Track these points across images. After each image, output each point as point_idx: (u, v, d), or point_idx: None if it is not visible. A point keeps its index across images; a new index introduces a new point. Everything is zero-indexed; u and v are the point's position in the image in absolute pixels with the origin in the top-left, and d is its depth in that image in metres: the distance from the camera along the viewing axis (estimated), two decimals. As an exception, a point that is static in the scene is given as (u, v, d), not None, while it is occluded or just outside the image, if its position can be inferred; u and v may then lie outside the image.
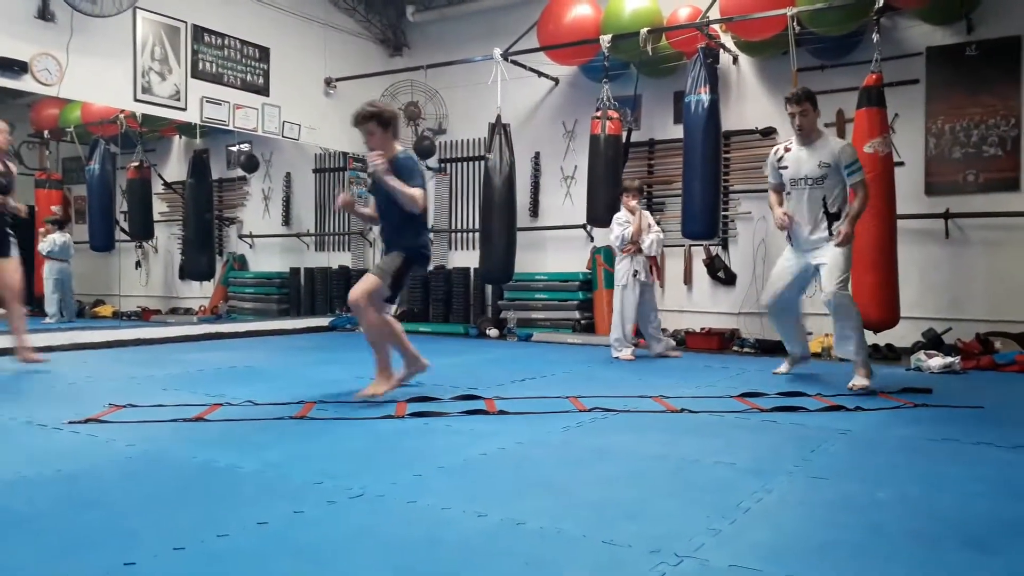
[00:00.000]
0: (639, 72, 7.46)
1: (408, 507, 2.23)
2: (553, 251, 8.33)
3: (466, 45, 8.46)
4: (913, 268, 6.19)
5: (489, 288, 8.56)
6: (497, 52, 7.55)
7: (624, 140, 7.19)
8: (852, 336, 4.43)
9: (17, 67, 6.12)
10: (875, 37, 5.63)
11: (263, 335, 8.14)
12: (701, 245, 7.32)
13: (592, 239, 7.98)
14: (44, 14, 6.27)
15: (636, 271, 5.99)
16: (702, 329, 7.13)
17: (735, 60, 7.35)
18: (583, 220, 7.48)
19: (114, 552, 1.85)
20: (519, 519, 2.12)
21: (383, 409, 3.71)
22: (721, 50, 7.08)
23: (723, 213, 7.07)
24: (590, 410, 3.72)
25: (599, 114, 6.90)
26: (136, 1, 6.69)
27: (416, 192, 4.17)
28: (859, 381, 4.38)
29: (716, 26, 6.83)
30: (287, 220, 10.39)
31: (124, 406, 3.76)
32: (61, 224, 9.67)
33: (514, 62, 7.71)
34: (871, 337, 5.62)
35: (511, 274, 7.52)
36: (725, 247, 7.39)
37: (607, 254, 7.75)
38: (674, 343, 6.62)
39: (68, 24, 6.38)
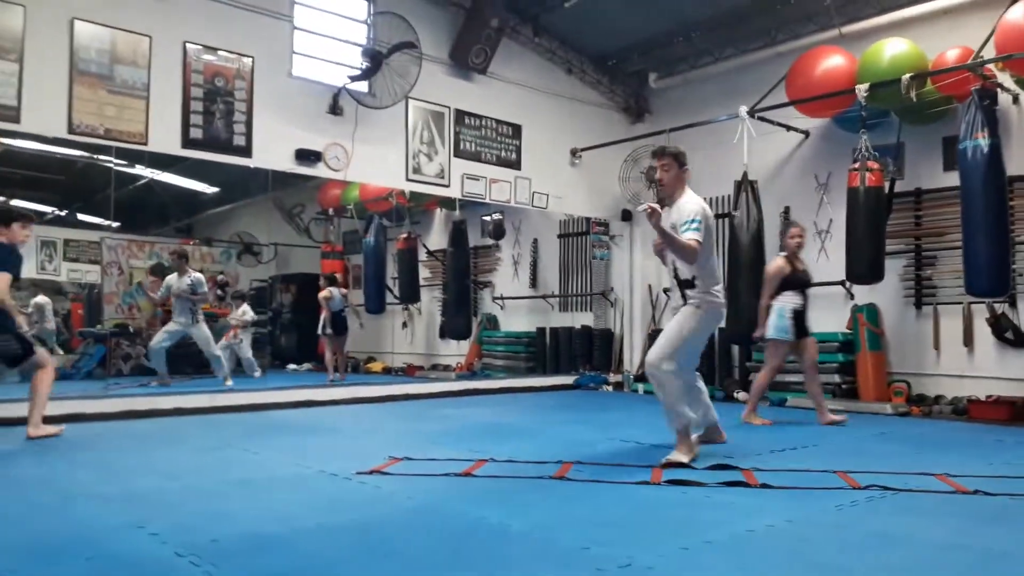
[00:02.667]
0: (900, 119, 6.98)
1: (678, 581, 2.21)
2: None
3: (708, 106, 8.44)
4: None
5: (736, 349, 8.29)
6: (743, 110, 7.44)
7: (887, 191, 6.71)
8: (665, 411, 4.20)
9: (313, 156, 7.09)
10: None
11: (513, 391, 8.51)
12: (983, 302, 6.57)
13: (852, 297, 7.46)
14: (335, 110, 7.23)
15: None
16: (988, 397, 6.34)
17: (1015, 99, 6.62)
18: (840, 276, 7.04)
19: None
20: (797, 604, 2.02)
21: (638, 475, 3.71)
22: (998, 90, 6.42)
23: (1011, 266, 6.30)
24: (865, 487, 3.45)
25: (857, 165, 6.52)
26: (408, 92, 7.50)
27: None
28: (672, 456, 4.00)
29: (991, 65, 6.22)
30: (534, 282, 10.87)
31: (401, 459, 4.11)
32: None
33: (761, 118, 7.56)
34: None
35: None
36: (1013, 304, 6.56)
37: (870, 313, 7.21)
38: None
39: (353, 117, 7.30)
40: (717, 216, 8.71)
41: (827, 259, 7.70)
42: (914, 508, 3.15)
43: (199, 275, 8.67)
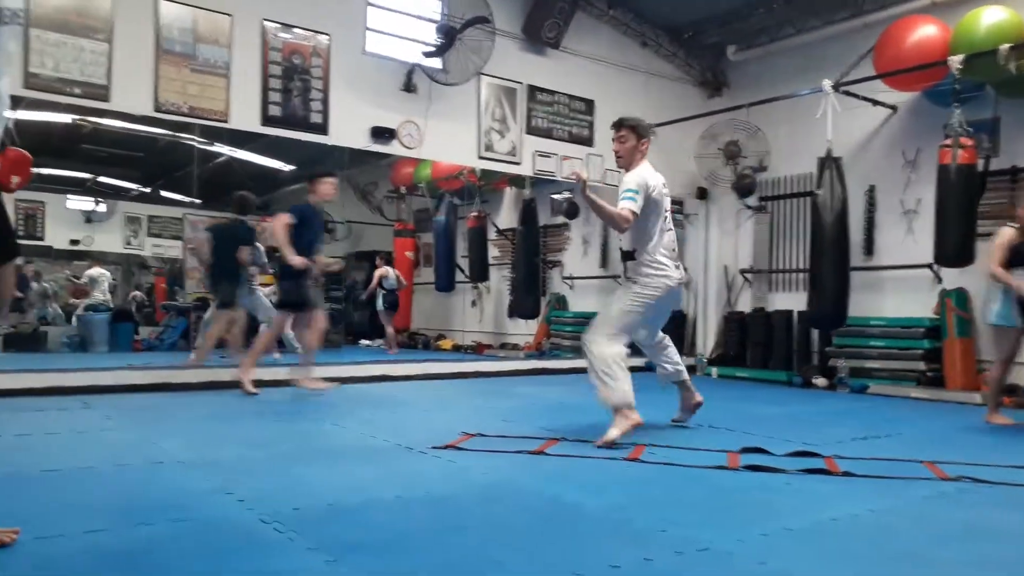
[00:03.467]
0: (997, 92, 6.60)
1: (760, 569, 2.15)
2: (892, 293, 7.60)
3: (789, 80, 8.15)
4: None
5: (815, 333, 8.04)
6: (827, 84, 7.15)
7: (981, 169, 6.37)
8: (594, 385, 4.17)
9: (388, 134, 7.14)
10: None
11: (583, 372, 8.43)
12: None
13: (940, 280, 7.14)
14: (408, 87, 7.26)
15: None
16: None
17: (1125, 69, 6.17)
18: (928, 259, 6.75)
19: (487, 577, 2.03)
20: (887, 597, 1.94)
21: (714, 459, 3.64)
22: (1108, 59, 6.00)
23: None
24: (954, 479, 3.30)
25: (949, 142, 6.20)
26: (481, 68, 7.46)
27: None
28: (607, 435, 3.93)
29: (1103, 32, 5.81)
30: (604, 262, 10.75)
31: (474, 435, 4.13)
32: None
33: (846, 92, 7.26)
34: None
35: (844, 318, 6.98)
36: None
37: (959, 298, 6.89)
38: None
39: (427, 94, 7.31)
40: (798, 195, 8.48)
41: (914, 241, 7.38)
42: (1008, 502, 3.00)
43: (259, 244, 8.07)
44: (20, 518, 2.28)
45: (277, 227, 5.75)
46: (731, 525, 2.58)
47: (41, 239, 14.22)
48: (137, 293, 13.51)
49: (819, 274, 6.95)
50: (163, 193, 15.17)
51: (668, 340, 4.79)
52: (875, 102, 7.52)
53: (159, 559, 2.11)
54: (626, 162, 4.38)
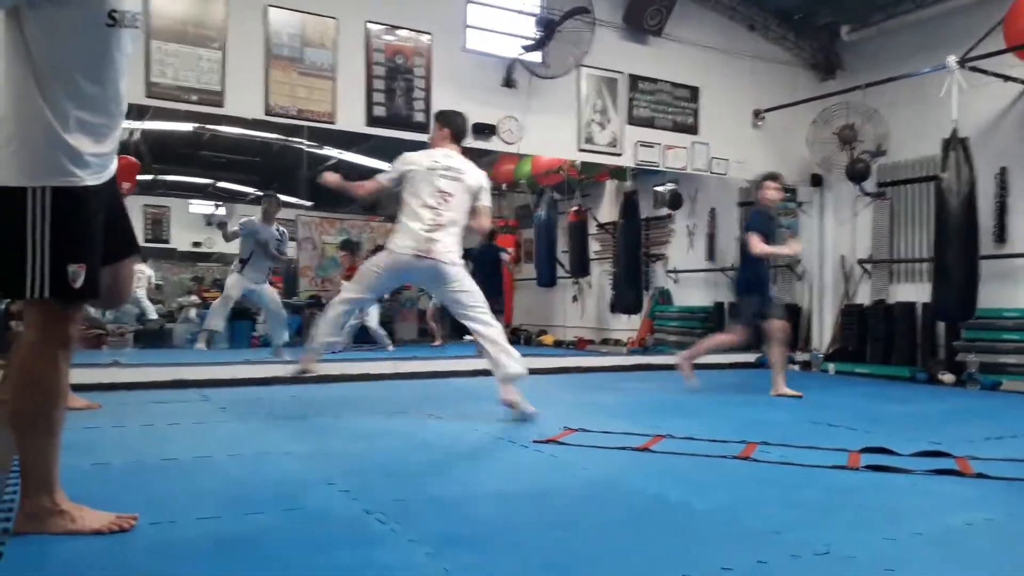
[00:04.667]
0: None
1: (886, 576, 2.00)
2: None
3: (909, 58, 7.67)
4: None
5: (941, 327, 7.53)
6: (951, 60, 6.67)
7: None
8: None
9: (488, 130, 7.16)
10: None
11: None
12: None
13: (1083, 268, 6.55)
14: (508, 82, 7.25)
15: None
16: None
17: None
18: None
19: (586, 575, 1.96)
20: (1034, 612, 1.75)
21: (834, 458, 3.43)
22: None
23: None
24: (1107, 483, 2.99)
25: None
26: (581, 60, 7.37)
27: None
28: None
29: None
30: (711, 255, 10.44)
31: (577, 430, 4.06)
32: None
33: (972, 68, 6.75)
34: None
35: (972, 310, 6.49)
36: None
37: (1108, 287, 6.29)
38: None
39: (526, 88, 7.28)
40: (921, 179, 7.95)
41: (1054, 225, 6.80)
42: None
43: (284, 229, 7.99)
44: (137, 505, 2.37)
45: (754, 242, 5.71)
46: (852, 528, 2.41)
47: (166, 242, 15.10)
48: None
49: (945, 263, 6.50)
50: (277, 196, 15.79)
51: (487, 331, 4.60)
52: (1007, 78, 6.95)
53: (268, 548, 2.15)
54: (433, 146, 4.83)
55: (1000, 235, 7.24)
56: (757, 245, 5.71)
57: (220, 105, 6.15)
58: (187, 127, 11.83)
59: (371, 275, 4.69)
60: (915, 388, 6.84)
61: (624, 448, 3.62)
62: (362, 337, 9.87)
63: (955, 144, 6.53)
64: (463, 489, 2.86)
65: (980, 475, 3.13)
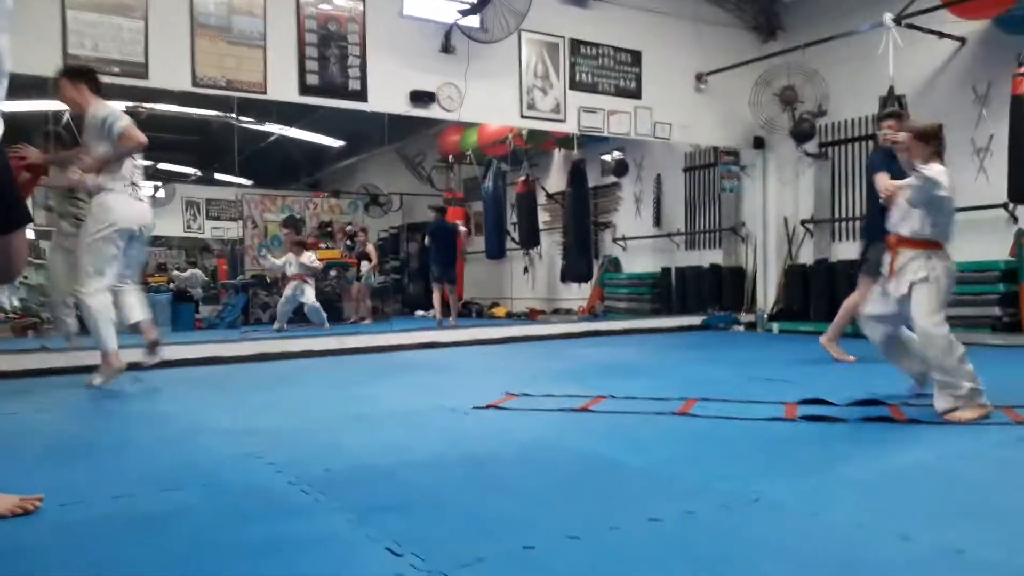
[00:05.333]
0: (1078, 14, 6.09)
1: (813, 520, 1.98)
2: (963, 237, 7.00)
3: (848, 17, 7.70)
4: None
5: (882, 283, 7.65)
6: (888, 17, 6.72)
7: (1061, 98, 5.90)
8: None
9: (427, 97, 7.01)
10: None
11: (638, 333, 8.27)
12: None
13: (1016, 220, 6.69)
14: (447, 48, 7.10)
15: None
16: None
17: None
18: (1002, 198, 6.32)
19: (515, 535, 1.91)
20: (957, 546, 1.75)
21: (771, 410, 3.44)
22: None
23: None
24: (1034, 423, 3.04)
25: (1023, 70, 5.76)
26: (520, 24, 7.24)
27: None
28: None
29: None
30: (658, 221, 10.47)
31: (519, 395, 4.02)
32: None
33: (909, 25, 6.80)
34: None
35: (910, 266, 6.59)
36: None
37: (1039, 238, 6.45)
38: None
39: (465, 54, 7.14)
40: (861, 139, 8.04)
41: (987, 180, 6.92)
42: (1098, 445, 2.73)
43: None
44: (48, 488, 2.25)
45: (879, 181, 5.04)
46: (784, 476, 2.40)
47: (105, 225, 14.56)
48: (176, 272, 13.68)
49: (882, 220, 6.55)
50: (217, 176, 15.41)
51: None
52: (941, 34, 7.05)
53: (182, 523, 2.05)
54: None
55: (937, 191, 7.35)
56: (882, 182, 5.01)
57: (144, 77, 5.90)
58: (120, 106, 11.39)
59: (88, 250, 4.56)
60: (857, 343, 6.90)
61: (564, 410, 3.59)
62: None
63: (892, 101, 6.60)
64: (397, 457, 2.78)
65: (912, 420, 3.18)
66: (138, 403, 4.31)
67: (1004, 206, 6.61)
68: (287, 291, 9.30)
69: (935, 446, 2.76)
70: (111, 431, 3.35)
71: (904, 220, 3.52)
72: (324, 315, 9.30)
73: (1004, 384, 4.26)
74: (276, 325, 9.19)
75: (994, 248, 6.79)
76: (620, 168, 10.41)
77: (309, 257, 9.53)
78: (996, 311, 6.61)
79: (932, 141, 3.54)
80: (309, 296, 9.30)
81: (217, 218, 15.40)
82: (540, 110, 7.63)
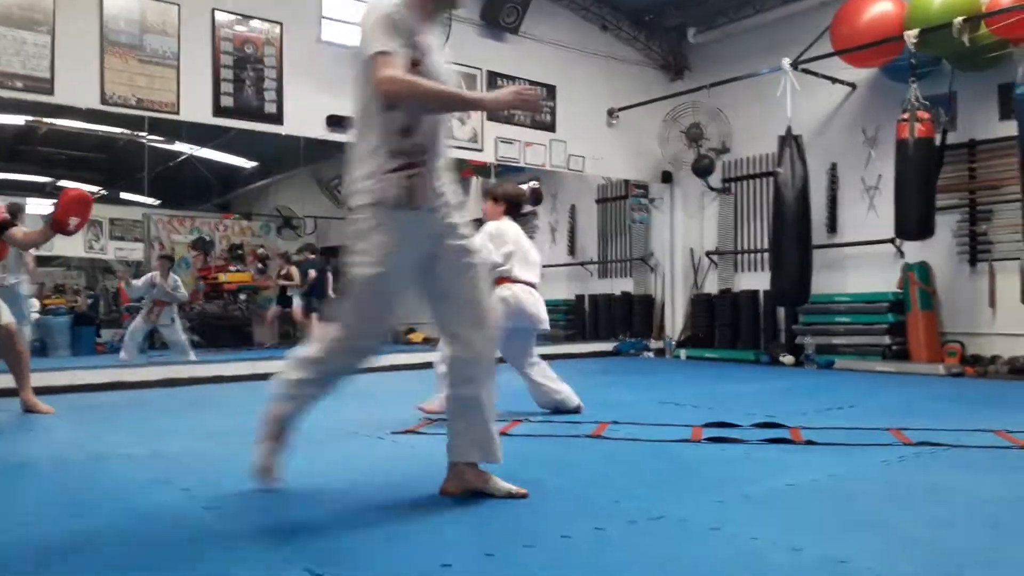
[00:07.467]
0: (953, 66, 6.64)
1: (712, 534, 2.11)
2: (855, 270, 7.64)
3: (750, 60, 8.14)
4: None
5: (781, 312, 8.06)
6: (786, 62, 7.15)
7: (939, 143, 6.40)
8: None
9: (345, 122, 6.98)
10: None
11: (550, 359, 8.37)
12: (1043, 257, 6.25)
13: (902, 255, 7.18)
14: (366, 76, 7.13)
15: None
16: (1049, 356, 6.05)
17: (1080, 39, 6.23)
18: (890, 234, 6.78)
19: (432, 554, 1.95)
20: (841, 557, 1.90)
21: (678, 432, 3.60)
22: (1061, 29, 6.05)
23: (1074, 218, 5.99)
24: (916, 444, 3.29)
25: (906, 116, 6.23)
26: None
27: None
28: None
29: (1054, 2, 5.86)
30: (572, 249, 10.72)
31: (436, 420, 4.04)
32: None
33: (805, 70, 7.26)
34: None
35: (807, 296, 6.98)
36: (1076, 258, 6.24)
37: (921, 271, 6.94)
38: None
39: (384, 82, 7.18)
40: (761, 175, 8.49)
41: (876, 216, 7.42)
42: (967, 463, 2.99)
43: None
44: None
45: None
46: (687, 495, 2.54)
47: None
48: (78, 299, 13.10)
49: (781, 253, 6.95)
50: (123, 195, 14.86)
51: None
52: (834, 80, 7.55)
53: (91, 550, 2.01)
54: None
55: (832, 226, 7.83)
56: None
57: (50, 93, 5.71)
58: (19, 120, 10.91)
59: None
60: (759, 369, 7.29)
61: (480, 434, 3.64)
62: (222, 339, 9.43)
63: (790, 141, 6.99)
64: (312, 481, 2.78)
65: (809, 442, 3.38)
66: (40, 429, 4.12)
67: (892, 241, 7.09)
68: (140, 319, 8.08)
69: (828, 466, 2.95)
70: (11, 455, 3.21)
71: None
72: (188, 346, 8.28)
73: (892, 408, 4.58)
74: (123, 355, 7.88)
75: (883, 280, 7.27)
76: (535, 197, 10.61)
77: (173, 281, 8.15)
78: (886, 340, 7.06)
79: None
80: (177, 328, 8.16)
81: (121, 238, 14.79)
82: (458, 138, 7.73)
